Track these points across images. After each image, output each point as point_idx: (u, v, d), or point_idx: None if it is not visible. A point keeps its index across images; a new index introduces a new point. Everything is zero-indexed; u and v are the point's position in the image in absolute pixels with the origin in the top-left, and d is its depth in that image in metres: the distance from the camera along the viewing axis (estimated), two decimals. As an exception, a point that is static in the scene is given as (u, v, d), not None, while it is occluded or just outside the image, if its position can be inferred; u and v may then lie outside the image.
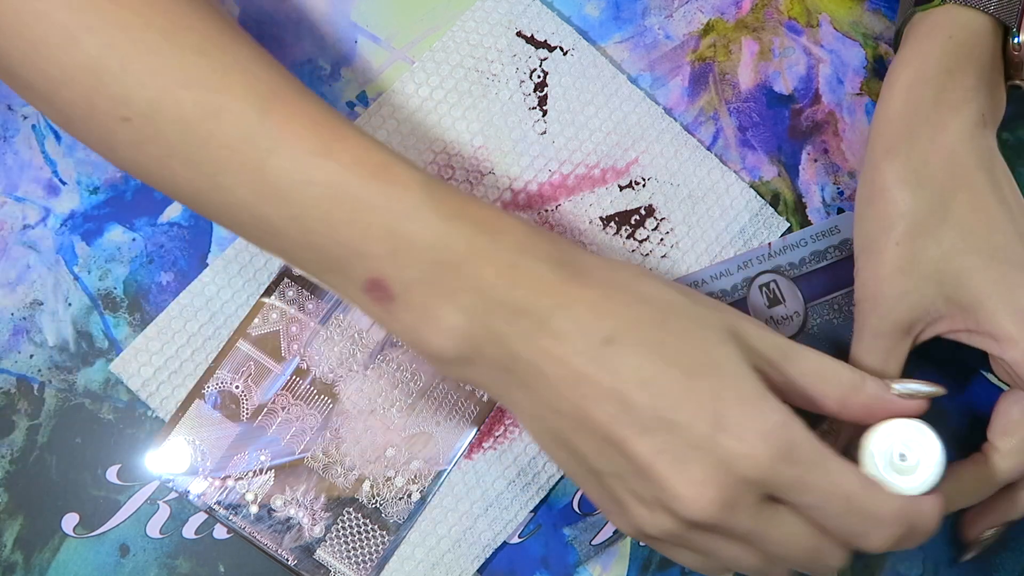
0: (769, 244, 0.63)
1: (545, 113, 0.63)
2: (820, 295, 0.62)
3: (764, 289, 0.62)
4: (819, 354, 0.48)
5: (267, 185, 0.45)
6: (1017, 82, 0.59)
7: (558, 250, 0.46)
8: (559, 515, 0.60)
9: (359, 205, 0.44)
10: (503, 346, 0.45)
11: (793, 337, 0.62)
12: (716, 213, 0.63)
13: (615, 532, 0.60)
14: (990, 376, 0.62)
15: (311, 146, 0.45)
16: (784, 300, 0.62)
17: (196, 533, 0.58)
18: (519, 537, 0.60)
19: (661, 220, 0.63)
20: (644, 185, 0.63)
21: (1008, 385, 0.57)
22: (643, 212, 0.63)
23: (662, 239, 0.63)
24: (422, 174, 0.46)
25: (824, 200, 0.64)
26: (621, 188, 0.63)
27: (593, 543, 0.60)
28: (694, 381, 0.44)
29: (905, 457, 0.49)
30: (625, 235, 0.62)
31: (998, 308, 0.52)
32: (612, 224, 0.63)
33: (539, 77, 0.64)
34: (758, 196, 0.64)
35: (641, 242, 0.62)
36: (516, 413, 0.48)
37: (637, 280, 0.46)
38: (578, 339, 0.44)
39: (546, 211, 0.62)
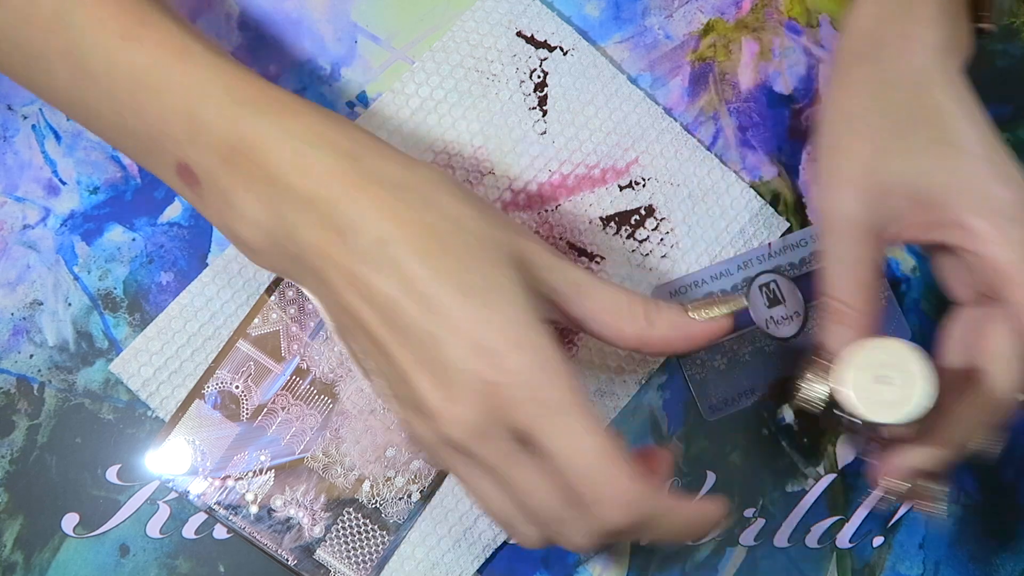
0: (769, 244, 0.63)
1: (545, 113, 0.63)
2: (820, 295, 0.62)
3: (764, 289, 0.62)
4: (614, 288, 0.48)
5: (80, 68, 0.46)
6: (983, 26, 0.59)
7: (351, 141, 0.46)
8: (559, 515, 0.60)
9: (161, 88, 0.45)
10: (294, 237, 0.45)
11: (793, 337, 0.62)
12: (716, 213, 0.63)
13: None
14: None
15: (117, 29, 0.46)
16: (784, 300, 0.62)
17: (196, 533, 0.58)
18: (519, 537, 0.60)
19: (661, 220, 0.63)
20: (644, 185, 0.63)
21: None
22: (643, 212, 0.63)
23: (662, 239, 0.63)
24: (223, 58, 0.46)
25: (824, 200, 0.64)
26: (621, 188, 0.63)
27: (593, 543, 0.60)
28: (465, 299, 0.43)
29: (887, 379, 0.48)
30: (625, 235, 0.62)
31: (966, 196, 0.50)
32: (612, 224, 0.63)
33: (539, 77, 0.64)
34: (758, 196, 0.64)
35: (641, 242, 0.62)
36: (313, 301, 0.48)
37: (430, 185, 0.46)
38: (357, 237, 0.44)
39: (546, 211, 0.62)
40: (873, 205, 0.52)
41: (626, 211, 0.63)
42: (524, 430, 0.44)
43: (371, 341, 0.45)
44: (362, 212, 0.44)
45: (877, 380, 0.48)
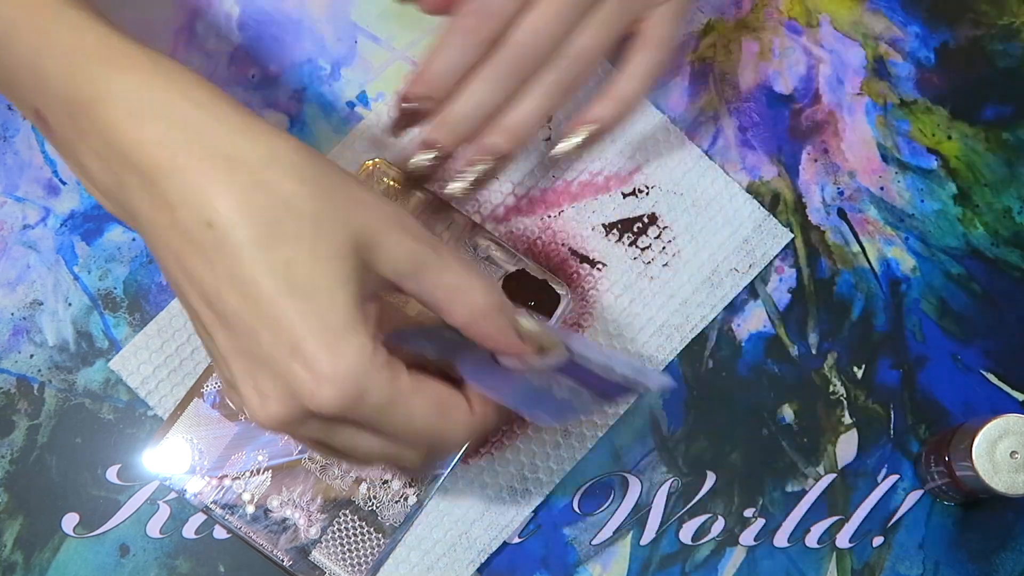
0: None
1: (550, 119, 0.63)
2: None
3: None
4: (465, 270, 0.45)
5: None
6: None
7: (188, 102, 0.43)
8: (559, 515, 0.60)
9: (11, 39, 0.44)
10: (127, 202, 0.43)
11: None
12: (719, 223, 0.63)
13: (615, 532, 0.60)
14: (989, 376, 0.62)
15: None
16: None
17: (196, 533, 0.59)
18: (519, 537, 0.60)
19: (664, 229, 0.62)
20: (647, 193, 0.63)
21: None
22: (646, 220, 0.63)
23: (664, 248, 0.62)
24: (87, 17, 0.44)
25: (824, 200, 0.64)
26: (624, 196, 0.63)
27: (593, 543, 0.60)
28: (284, 300, 0.41)
29: (1016, 454, 0.53)
30: (627, 243, 0.62)
31: None
32: (615, 231, 0.62)
33: (542, 80, 0.64)
34: (761, 207, 0.63)
35: (643, 250, 0.62)
36: None
37: (265, 160, 0.42)
38: (182, 214, 0.41)
39: (549, 217, 0.62)
40: None
41: (629, 219, 0.63)
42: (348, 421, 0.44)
43: (195, 316, 0.44)
44: (189, 190, 0.41)
45: (1010, 457, 0.54)
